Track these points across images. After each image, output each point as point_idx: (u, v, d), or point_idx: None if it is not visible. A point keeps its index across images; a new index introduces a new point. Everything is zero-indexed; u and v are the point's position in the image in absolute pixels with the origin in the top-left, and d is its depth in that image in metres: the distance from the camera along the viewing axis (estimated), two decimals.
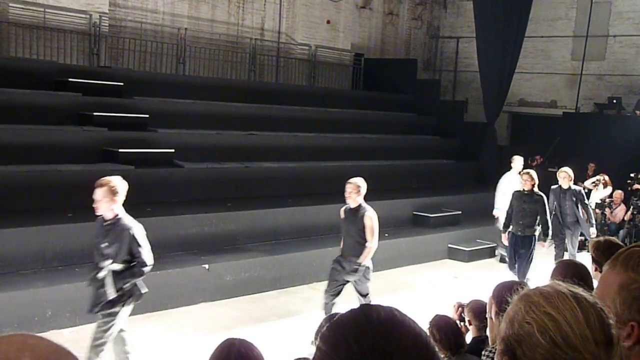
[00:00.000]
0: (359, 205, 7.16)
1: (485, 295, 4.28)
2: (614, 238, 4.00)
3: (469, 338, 4.34)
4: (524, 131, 19.13)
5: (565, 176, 9.99)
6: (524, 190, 9.09)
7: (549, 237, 9.30)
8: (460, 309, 4.50)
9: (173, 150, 10.81)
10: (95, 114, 10.62)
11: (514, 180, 10.55)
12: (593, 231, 10.13)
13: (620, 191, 13.21)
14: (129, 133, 10.71)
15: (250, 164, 11.60)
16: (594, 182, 13.20)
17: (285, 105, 13.82)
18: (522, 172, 9.61)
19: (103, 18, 12.77)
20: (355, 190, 7.11)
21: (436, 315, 4.15)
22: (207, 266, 8.65)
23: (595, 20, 16.87)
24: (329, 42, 17.13)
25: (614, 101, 16.32)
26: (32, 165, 9.24)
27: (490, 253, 12.22)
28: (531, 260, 9.08)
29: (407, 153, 14.75)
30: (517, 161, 11.20)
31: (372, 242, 7.13)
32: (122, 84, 11.58)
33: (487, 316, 3.44)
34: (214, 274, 8.69)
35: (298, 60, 16.67)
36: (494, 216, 11.36)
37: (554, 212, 9.87)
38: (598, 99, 16.99)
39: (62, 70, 11.40)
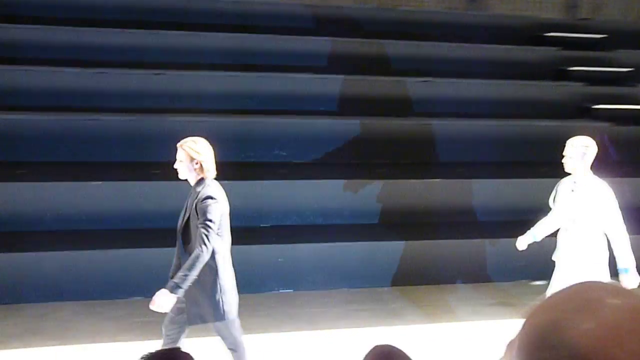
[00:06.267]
0: None
1: None
2: None
3: None
4: None
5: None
6: None
7: None
8: None
9: None
10: (572, 68, 10.31)
11: None
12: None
13: None
14: (606, 88, 10.14)
15: None
16: None
17: None
18: None
19: None
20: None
21: None
22: None
23: None
24: None
25: None
26: (505, 120, 9.44)
27: None
28: None
29: None
30: None
31: None
32: (605, 36, 10.97)
33: None
34: None
35: None
36: None
37: None
38: None
39: (541, 25, 11.34)
